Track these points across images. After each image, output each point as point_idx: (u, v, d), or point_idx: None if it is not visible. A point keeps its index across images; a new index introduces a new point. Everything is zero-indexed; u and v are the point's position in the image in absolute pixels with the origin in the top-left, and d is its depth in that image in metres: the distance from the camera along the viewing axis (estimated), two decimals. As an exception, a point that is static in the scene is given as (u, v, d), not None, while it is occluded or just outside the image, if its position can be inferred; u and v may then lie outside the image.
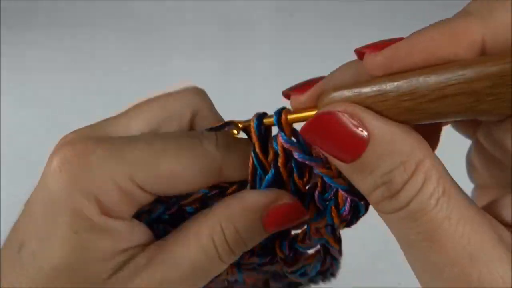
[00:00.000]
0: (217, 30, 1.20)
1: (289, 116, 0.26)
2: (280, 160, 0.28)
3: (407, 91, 0.20)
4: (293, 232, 0.32)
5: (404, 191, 0.21)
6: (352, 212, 0.29)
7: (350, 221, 0.30)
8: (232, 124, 0.30)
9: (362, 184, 0.22)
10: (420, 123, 0.22)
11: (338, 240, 0.32)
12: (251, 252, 0.32)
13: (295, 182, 0.29)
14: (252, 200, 0.27)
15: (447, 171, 0.21)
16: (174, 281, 0.26)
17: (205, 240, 0.26)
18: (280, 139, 0.27)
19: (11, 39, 1.15)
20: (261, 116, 0.29)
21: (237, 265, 0.34)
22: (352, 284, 0.71)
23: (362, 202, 0.28)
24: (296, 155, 0.27)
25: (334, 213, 0.29)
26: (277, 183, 0.29)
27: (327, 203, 0.29)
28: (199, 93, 0.32)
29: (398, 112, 0.21)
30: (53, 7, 1.25)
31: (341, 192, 0.28)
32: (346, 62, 0.25)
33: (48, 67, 1.08)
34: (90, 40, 1.16)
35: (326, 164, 0.27)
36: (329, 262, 0.33)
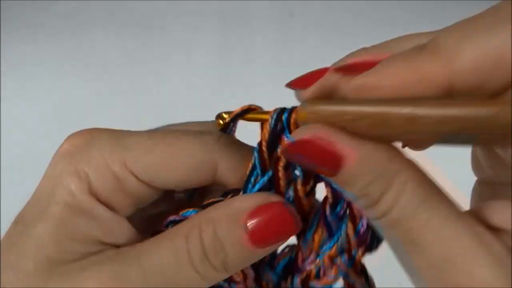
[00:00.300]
0: (217, 30, 1.20)
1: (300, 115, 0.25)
2: (280, 163, 0.26)
3: (378, 120, 0.21)
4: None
5: (382, 203, 0.22)
6: (371, 230, 0.26)
7: (370, 243, 0.26)
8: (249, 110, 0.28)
9: (347, 193, 0.23)
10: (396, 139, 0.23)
11: (362, 271, 0.27)
12: None
13: (296, 190, 0.26)
14: (237, 204, 0.25)
15: (429, 178, 0.22)
16: (132, 281, 0.23)
17: (179, 240, 0.24)
18: (285, 140, 0.25)
19: (11, 39, 1.15)
20: (282, 112, 0.26)
21: None
22: (352, 284, 0.71)
23: None
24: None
25: (350, 231, 0.26)
26: (274, 190, 0.26)
27: (340, 220, 0.26)
28: (227, 140, 0.28)
29: (373, 132, 0.22)
30: (53, 7, 1.25)
31: (353, 203, 0.25)
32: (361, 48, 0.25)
33: (48, 67, 1.08)
34: (90, 40, 1.16)
35: None
36: None
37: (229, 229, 0.24)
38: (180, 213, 0.26)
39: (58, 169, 0.25)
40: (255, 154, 0.26)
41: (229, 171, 0.26)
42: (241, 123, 0.29)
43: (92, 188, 0.24)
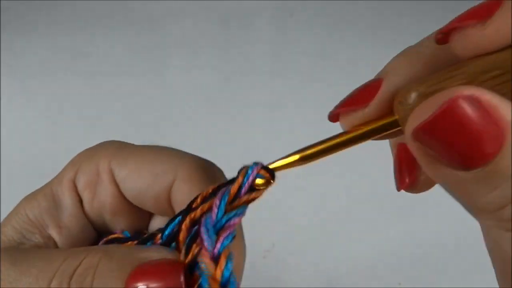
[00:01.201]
0: (217, 30, 1.20)
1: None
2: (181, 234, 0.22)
3: None
4: None
5: None
6: None
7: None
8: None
9: (492, 196, 0.17)
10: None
11: None
12: None
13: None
14: (127, 259, 0.20)
15: None
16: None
17: (44, 275, 0.20)
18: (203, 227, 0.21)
19: (11, 39, 1.15)
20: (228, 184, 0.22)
21: None
22: (352, 284, 0.71)
23: None
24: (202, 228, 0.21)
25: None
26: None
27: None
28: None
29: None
30: (53, 8, 1.25)
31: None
32: (402, 51, 0.21)
33: (48, 67, 1.08)
34: (90, 40, 1.16)
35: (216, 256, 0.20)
36: None
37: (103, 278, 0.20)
38: (123, 231, 0.26)
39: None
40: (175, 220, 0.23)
41: (183, 197, 0.24)
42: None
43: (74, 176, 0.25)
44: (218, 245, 0.21)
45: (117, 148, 0.25)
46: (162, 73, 1.09)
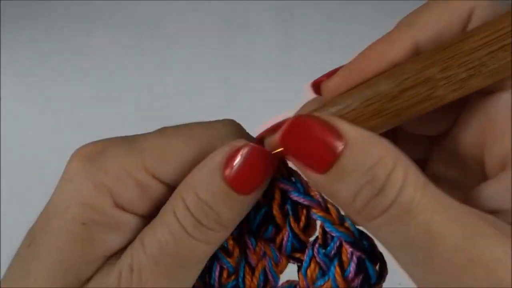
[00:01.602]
0: (217, 30, 1.20)
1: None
2: (275, 202, 0.26)
3: (370, 95, 0.23)
4: None
5: (390, 185, 0.21)
6: (361, 275, 0.26)
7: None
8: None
9: (345, 190, 0.21)
10: (386, 127, 0.23)
11: None
12: None
13: (291, 226, 0.27)
14: (207, 160, 0.24)
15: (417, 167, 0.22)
16: (145, 268, 0.23)
17: (167, 216, 0.24)
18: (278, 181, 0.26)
19: (11, 39, 1.15)
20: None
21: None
22: (352, 284, 0.71)
23: (372, 264, 0.25)
24: (291, 194, 0.26)
25: (338, 275, 0.25)
26: (273, 226, 0.27)
27: (331, 262, 0.26)
28: (238, 127, 0.28)
29: (365, 118, 0.23)
30: (53, 7, 1.25)
31: (345, 246, 0.25)
32: (309, 100, 0.28)
33: (48, 67, 1.08)
34: (90, 40, 1.16)
35: (324, 207, 0.26)
36: None
37: (208, 187, 0.23)
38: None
39: (73, 183, 0.24)
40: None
41: None
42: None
43: (116, 200, 0.24)
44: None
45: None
46: (162, 73, 1.09)
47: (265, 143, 0.26)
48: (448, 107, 0.25)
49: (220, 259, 0.28)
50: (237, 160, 0.23)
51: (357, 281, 0.26)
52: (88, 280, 0.24)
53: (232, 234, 0.27)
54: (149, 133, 0.25)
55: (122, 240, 0.24)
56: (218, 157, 0.24)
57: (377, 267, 0.26)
